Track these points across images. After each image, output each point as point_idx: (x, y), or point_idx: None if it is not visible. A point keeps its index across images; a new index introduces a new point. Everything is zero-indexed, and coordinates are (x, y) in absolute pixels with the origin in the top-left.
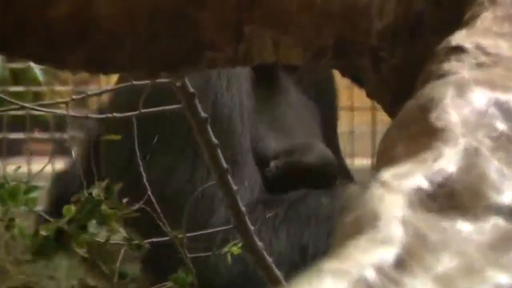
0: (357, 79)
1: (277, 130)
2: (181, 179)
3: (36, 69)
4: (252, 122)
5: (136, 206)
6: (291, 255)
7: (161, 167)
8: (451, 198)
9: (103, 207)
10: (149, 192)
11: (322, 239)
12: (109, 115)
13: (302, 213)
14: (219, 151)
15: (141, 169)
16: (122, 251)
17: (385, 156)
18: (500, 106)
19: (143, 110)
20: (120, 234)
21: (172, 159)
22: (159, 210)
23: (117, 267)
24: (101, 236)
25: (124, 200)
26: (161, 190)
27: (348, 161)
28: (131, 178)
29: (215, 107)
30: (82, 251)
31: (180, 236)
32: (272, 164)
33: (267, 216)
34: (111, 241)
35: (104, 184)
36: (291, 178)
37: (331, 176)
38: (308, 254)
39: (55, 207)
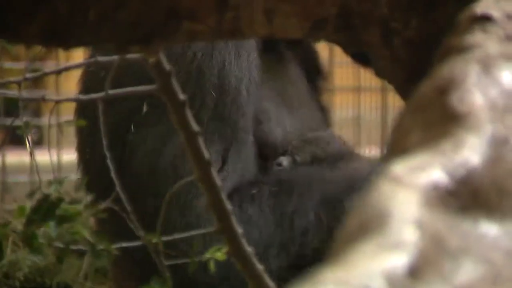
0: (362, 57)
1: (284, 110)
2: (174, 151)
3: None
4: (258, 97)
5: (104, 204)
6: (281, 234)
7: (153, 138)
8: (474, 196)
9: (64, 206)
10: (118, 189)
11: (306, 209)
12: (71, 98)
13: (286, 186)
14: (200, 140)
15: (108, 161)
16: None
17: (397, 146)
18: None
19: (110, 91)
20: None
21: (166, 129)
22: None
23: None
24: (62, 240)
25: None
26: (153, 164)
27: None
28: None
29: (222, 77)
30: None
31: (154, 240)
32: (285, 160)
33: (251, 193)
34: (72, 247)
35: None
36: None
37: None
38: (296, 229)
39: None
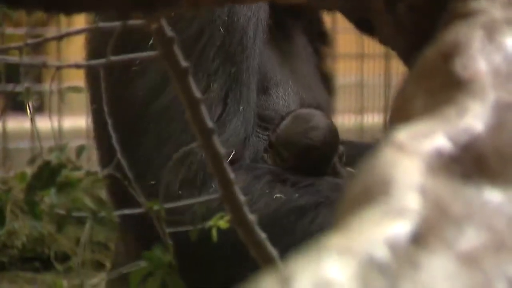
0: (365, 25)
1: (290, 83)
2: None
3: None
4: (264, 63)
5: (106, 170)
6: None
7: (154, 75)
8: (477, 162)
9: (66, 172)
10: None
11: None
12: (72, 64)
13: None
14: (203, 107)
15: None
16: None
17: (401, 112)
18: None
19: (112, 58)
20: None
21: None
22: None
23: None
24: (63, 207)
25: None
26: (149, 102)
27: (356, 118)
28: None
29: (232, 14)
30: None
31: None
32: (268, 157)
33: (274, 197)
34: (73, 214)
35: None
36: (299, 158)
37: (335, 148)
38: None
39: None
